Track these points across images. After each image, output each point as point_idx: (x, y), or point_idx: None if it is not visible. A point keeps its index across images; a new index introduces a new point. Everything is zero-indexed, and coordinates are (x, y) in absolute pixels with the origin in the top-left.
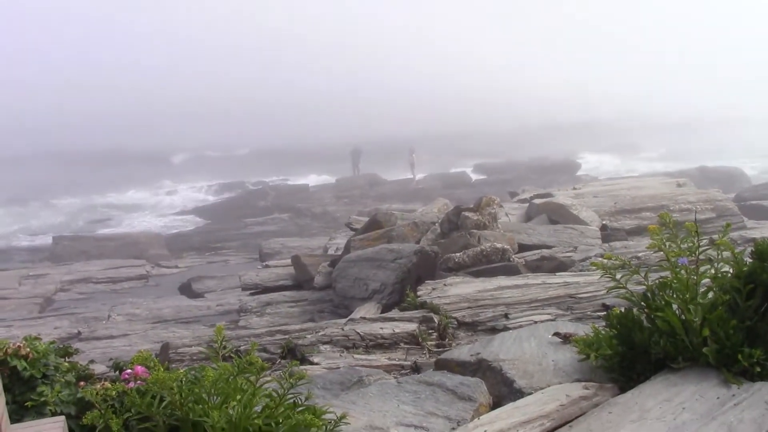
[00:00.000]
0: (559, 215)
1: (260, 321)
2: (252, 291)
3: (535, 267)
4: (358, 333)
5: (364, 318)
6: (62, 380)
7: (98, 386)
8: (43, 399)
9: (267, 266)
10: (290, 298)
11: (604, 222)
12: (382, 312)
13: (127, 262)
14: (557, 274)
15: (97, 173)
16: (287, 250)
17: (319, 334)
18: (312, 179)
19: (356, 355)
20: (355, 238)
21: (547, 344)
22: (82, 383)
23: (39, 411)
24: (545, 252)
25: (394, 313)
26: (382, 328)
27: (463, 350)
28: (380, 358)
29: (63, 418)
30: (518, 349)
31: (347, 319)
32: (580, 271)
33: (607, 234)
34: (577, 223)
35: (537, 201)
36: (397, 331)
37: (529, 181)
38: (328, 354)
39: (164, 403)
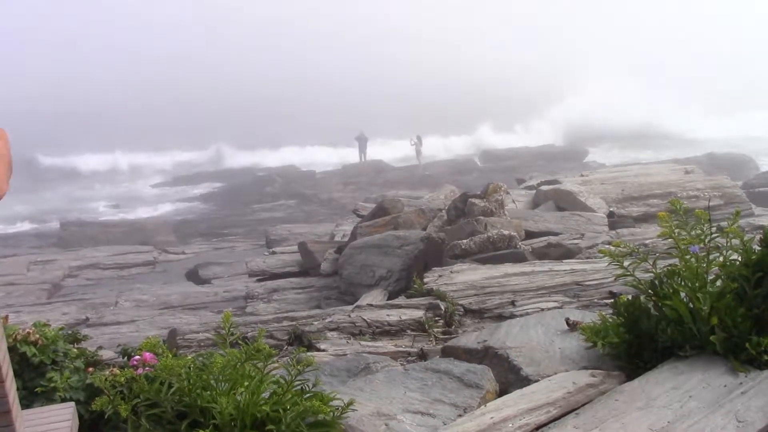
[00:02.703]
0: (566, 202)
1: (267, 307)
2: (259, 277)
3: (542, 254)
4: (365, 320)
5: (371, 305)
6: (71, 366)
7: (107, 372)
8: (52, 385)
9: (274, 253)
10: (297, 284)
11: (611, 209)
12: (388, 299)
13: (135, 248)
14: (564, 261)
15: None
16: (294, 236)
17: (326, 320)
18: (319, 166)
19: (363, 342)
20: (362, 225)
21: (554, 332)
22: (90, 369)
23: (49, 397)
24: (552, 239)
25: (401, 300)
26: (388, 315)
27: (469, 337)
28: (387, 345)
29: (72, 404)
30: (525, 337)
31: (354, 305)
32: (587, 258)
33: (615, 221)
34: (584, 210)
35: (544, 188)
36: (403, 318)
37: (537, 168)
38: (335, 341)
39: (172, 390)
